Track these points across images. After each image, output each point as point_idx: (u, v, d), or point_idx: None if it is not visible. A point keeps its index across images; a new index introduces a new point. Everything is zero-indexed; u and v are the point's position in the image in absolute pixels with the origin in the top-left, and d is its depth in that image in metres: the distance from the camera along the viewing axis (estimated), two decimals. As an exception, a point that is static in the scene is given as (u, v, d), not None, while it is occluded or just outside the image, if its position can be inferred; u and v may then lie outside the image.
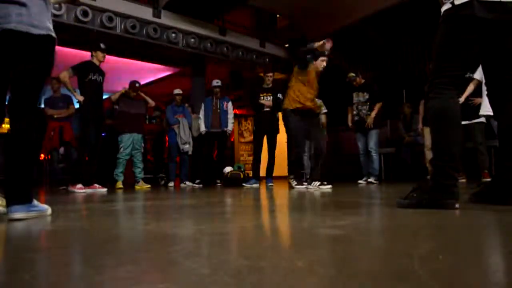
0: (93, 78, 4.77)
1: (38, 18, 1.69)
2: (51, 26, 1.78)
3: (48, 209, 1.86)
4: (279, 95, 5.70)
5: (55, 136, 5.99)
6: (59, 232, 1.50)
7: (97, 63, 4.90)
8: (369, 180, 5.57)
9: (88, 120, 4.74)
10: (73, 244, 1.22)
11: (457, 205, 1.75)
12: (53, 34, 1.78)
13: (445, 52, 1.89)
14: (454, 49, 1.86)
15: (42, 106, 6.28)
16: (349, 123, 5.92)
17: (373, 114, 5.57)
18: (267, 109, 5.69)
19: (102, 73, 4.94)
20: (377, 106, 5.60)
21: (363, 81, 5.77)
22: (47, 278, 0.80)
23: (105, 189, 4.69)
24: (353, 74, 5.78)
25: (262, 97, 5.77)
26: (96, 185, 4.71)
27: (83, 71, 4.75)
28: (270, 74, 5.92)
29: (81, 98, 4.73)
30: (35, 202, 1.80)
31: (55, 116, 5.98)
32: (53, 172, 6.31)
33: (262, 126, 5.67)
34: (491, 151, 5.27)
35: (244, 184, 5.64)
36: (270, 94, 5.77)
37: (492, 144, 5.19)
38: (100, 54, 4.89)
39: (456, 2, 1.79)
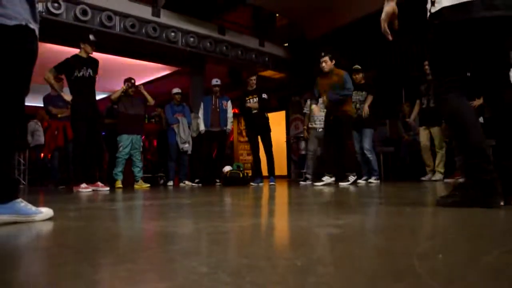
0: (79, 75, 4.52)
1: (12, 7, 1.59)
2: (29, 16, 1.65)
3: (39, 214, 1.65)
4: (264, 95, 5.74)
5: (60, 135, 6.00)
6: (58, 231, 1.49)
7: (84, 55, 4.62)
8: (369, 180, 5.57)
9: (78, 118, 4.56)
10: (72, 243, 1.21)
11: (501, 203, 1.69)
12: (32, 26, 1.65)
13: (441, 61, 1.87)
14: (450, 57, 1.84)
15: (42, 105, 6.30)
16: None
17: (366, 105, 5.54)
18: (255, 111, 5.72)
19: (92, 65, 4.65)
20: (369, 98, 5.59)
21: (363, 81, 5.77)
22: (45, 277, 0.80)
23: (107, 188, 4.67)
24: (359, 67, 5.78)
25: (248, 100, 5.80)
26: (99, 183, 4.70)
27: (68, 68, 4.51)
28: (254, 77, 5.95)
29: (68, 98, 4.56)
30: (18, 204, 1.60)
31: (59, 116, 5.99)
32: (53, 171, 6.31)
33: (253, 128, 5.75)
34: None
35: (252, 184, 5.70)
36: (255, 96, 5.79)
37: (490, 144, 5.20)
38: (88, 46, 4.63)
39: (446, 4, 1.76)
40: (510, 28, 1.75)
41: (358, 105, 5.69)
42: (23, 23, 1.62)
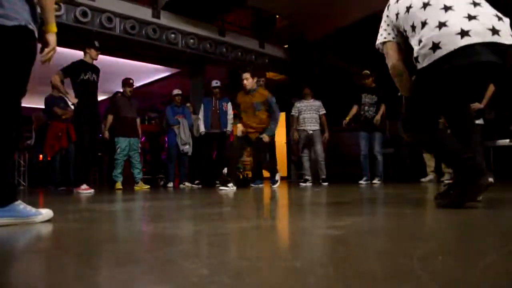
0: (85, 78, 4.67)
1: (12, 8, 1.57)
2: (29, 17, 1.63)
3: (39, 215, 1.65)
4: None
5: (64, 137, 6.02)
6: (58, 233, 1.49)
7: (89, 61, 4.79)
8: (373, 181, 5.64)
9: (82, 121, 4.67)
10: (72, 245, 1.21)
11: (490, 179, 1.74)
12: (31, 26, 1.64)
13: (425, 106, 1.95)
14: (434, 102, 1.93)
15: (43, 106, 6.31)
16: (346, 118, 5.96)
17: (379, 115, 5.70)
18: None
19: (95, 71, 4.82)
20: (383, 107, 5.75)
21: (373, 85, 5.84)
22: (45, 279, 0.80)
23: (92, 190, 4.63)
24: (368, 72, 5.86)
25: None
26: (85, 185, 4.70)
27: (74, 71, 4.66)
28: (262, 79, 5.95)
29: (74, 101, 4.68)
30: (18, 206, 1.60)
31: (63, 117, 6.00)
32: (53, 173, 6.31)
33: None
34: (489, 151, 5.30)
35: (252, 185, 5.70)
36: None
37: (491, 145, 5.23)
38: (94, 52, 4.79)
39: (425, 64, 1.83)
40: (488, 73, 1.82)
41: (366, 108, 5.76)
42: (23, 23, 1.60)
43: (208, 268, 0.79)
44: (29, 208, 1.64)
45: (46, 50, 1.82)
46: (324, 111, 6.17)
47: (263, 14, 9.28)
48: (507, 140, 5.23)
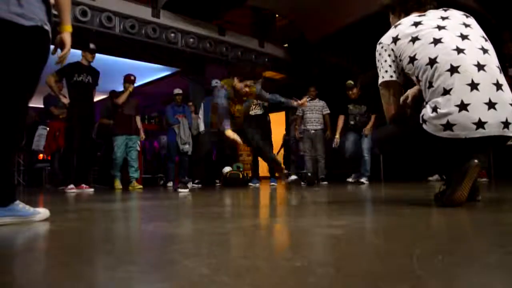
0: (78, 79, 4.73)
1: (30, 8, 1.57)
2: (45, 17, 1.63)
3: (37, 215, 1.66)
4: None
5: (61, 136, 6.02)
6: (57, 232, 1.49)
7: (85, 63, 4.86)
8: (360, 180, 5.60)
9: (74, 122, 4.74)
10: (72, 244, 1.21)
11: (475, 160, 1.72)
12: (46, 27, 1.63)
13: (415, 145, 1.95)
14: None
15: (42, 106, 6.30)
16: (336, 136, 5.89)
17: (370, 125, 5.60)
18: (258, 112, 5.72)
19: (92, 73, 4.88)
20: (373, 118, 5.64)
21: (359, 94, 5.79)
22: (45, 279, 0.80)
23: (92, 190, 4.70)
24: (351, 82, 5.76)
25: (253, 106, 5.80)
26: (83, 185, 4.74)
27: (69, 72, 4.72)
28: (260, 80, 5.93)
29: (65, 101, 4.76)
30: (17, 206, 1.61)
31: (61, 117, 6.00)
32: (53, 172, 6.31)
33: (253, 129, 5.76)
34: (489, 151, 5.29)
35: (250, 184, 5.68)
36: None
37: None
38: (89, 54, 4.86)
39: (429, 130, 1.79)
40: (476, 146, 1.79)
41: (358, 118, 5.69)
42: (39, 24, 1.59)
43: (208, 267, 0.79)
44: (27, 207, 1.65)
45: (62, 51, 1.82)
46: (328, 111, 6.19)
47: (263, 13, 9.28)
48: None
